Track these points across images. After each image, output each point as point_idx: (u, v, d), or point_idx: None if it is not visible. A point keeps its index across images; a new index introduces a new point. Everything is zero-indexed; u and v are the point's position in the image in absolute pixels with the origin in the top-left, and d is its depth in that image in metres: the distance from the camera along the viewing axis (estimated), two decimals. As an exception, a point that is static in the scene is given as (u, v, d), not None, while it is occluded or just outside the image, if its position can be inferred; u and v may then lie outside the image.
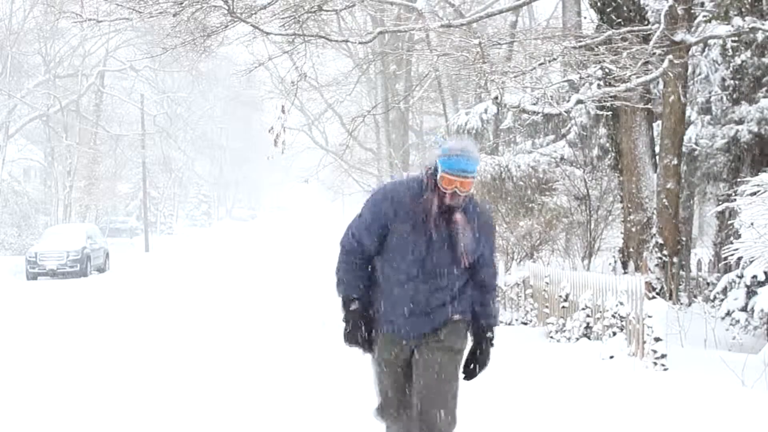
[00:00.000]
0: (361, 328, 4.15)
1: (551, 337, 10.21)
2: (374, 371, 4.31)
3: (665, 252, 11.39)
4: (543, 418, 6.12)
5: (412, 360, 4.17)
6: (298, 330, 11.53)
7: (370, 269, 4.19)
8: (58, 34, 36.83)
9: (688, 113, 12.78)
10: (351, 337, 4.17)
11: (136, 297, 17.91)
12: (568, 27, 14.96)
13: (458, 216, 4.04)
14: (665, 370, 7.63)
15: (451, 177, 3.96)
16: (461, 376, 4.21)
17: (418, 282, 4.05)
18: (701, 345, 9.03)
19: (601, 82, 12.18)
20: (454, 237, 4.03)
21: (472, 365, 4.22)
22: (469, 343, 4.26)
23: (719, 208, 11.95)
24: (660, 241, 11.42)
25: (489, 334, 4.23)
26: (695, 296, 12.59)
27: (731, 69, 13.26)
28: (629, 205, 12.49)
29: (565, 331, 9.92)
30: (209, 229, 65.03)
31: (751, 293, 9.24)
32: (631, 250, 12.36)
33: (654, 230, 11.67)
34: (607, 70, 11.20)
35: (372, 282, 4.19)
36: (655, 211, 11.85)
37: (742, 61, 12.92)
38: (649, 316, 7.87)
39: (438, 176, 3.99)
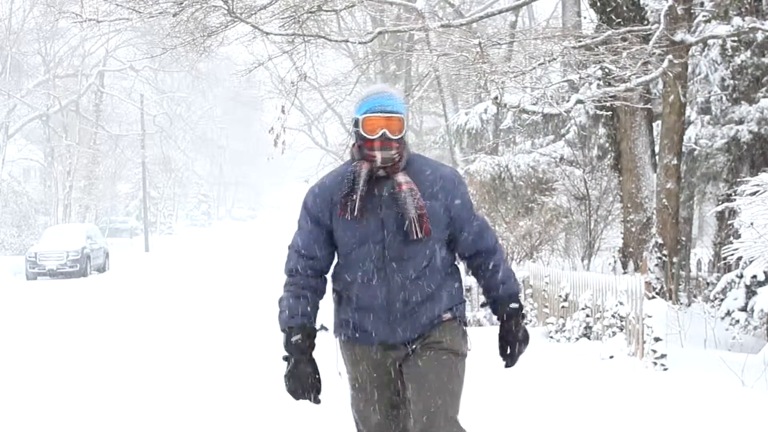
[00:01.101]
0: (306, 368, 3.27)
1: (551, 337, 10.21)
2: (351, 397, 3.48)
3: (665, 252, 11.39)
4: (543, 418, 6.12)
5: (403, 373, 3.36)
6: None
7: (322, 289, 3.40)
8: (57, 34, 36.86)
9: (687, 113, 12.78)
10: (293, 383, 3.28)
11: (136, 297, 17.91)
12: (568, 27, 14.97)
13: (401, 177, 3.24)
14: (665, 370, 7.64)
15: (372, 117, 3.22)
16: (465, 379, 3.41)
17: (382, 276, 3.26)
18: (701, 345, 9.04)
19: (601, 82, 12.19)
20: (402, 204, 3.21)
21: (508, 348, 3.40)
22: (489, 337, 3.48)
23: (719, 208, 11.96)
24: (660, 241, 11.43)
25: (512, 306, 3.39)
26: (695, 296, 12.61)
27: (731, 69, 13.27)
28: (629, 205, 12.50)
29: (564, 331, 9.92)
30: (209, 229, 65.06)
31: (750, 293, 9.25)
32: (631, 250, 12.36)
33: (654, 230, 11.68)
34: (606, 70, 11.21)
35: (334, 301, 3.45)
36: (654, 211, 11.86)
37: (742, 61, 12.93)
38: (649, 316, 7.87)
39: (360, 127, 3.25)
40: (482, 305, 3.52)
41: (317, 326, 3.34)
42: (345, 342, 3.43)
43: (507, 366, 3.45)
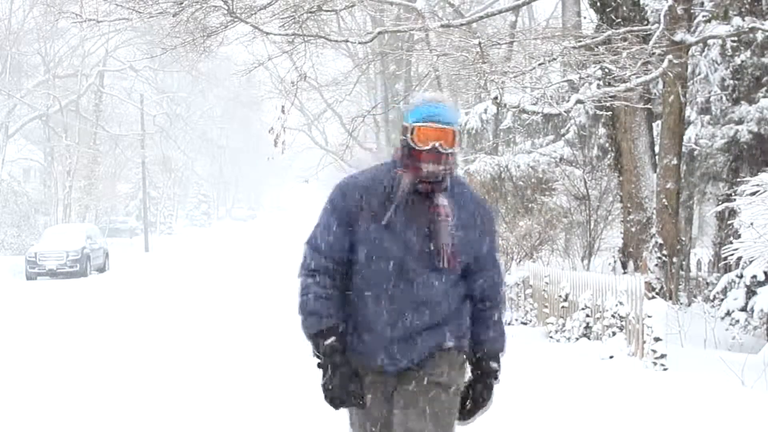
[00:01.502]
0: (347, 371, 3.03)
1: (551, 337, 10.21)
2: (349, 421, 3.26)
3: (665, 252, 11.40)
4: (543, 417, 6.12)
5: (394, 401, 3.14)
6: (296, 330, 11.52)
7: (343, 292, 3.13)
8: (57, 34, 36.85)
9: (687, 113, 12.79)
10: (337, 391, 3.03)
11: (136, 297, 17.91)
12: (568, 27, 14.97)
13: (441, 200, 3.03)
14: (665, 370, 7.64)
15: (427, 127, 2.98)
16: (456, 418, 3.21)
17: (394, 295, 3.03)
18: (701, 345, 9.04)
19: (601, 82, 12.19)
20: (436, 229, 3.02)
21: (468, 403, 3.19)
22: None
23: (719, 208, 11.97)
24: (660, 241, 11.43)
25: (492, 365, 3.19)
26: (695, 296, 12.61)
27: (731, 69, 13.27)
28: (629, 205, 12.50)
29: (564, 331, 9.92)
30: (209, 229, 65.06)
31: (750, 293, 9.25)
32: (631, 250, 12.37)
33: (654, 230, 11.68)
34: (606, 70, 11.22)
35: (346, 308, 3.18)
36: (654, 211, 11.86)
37: (742, 61, 12.93)
38: (649, 316, 7.88)
39: (410, 136, 3.01)
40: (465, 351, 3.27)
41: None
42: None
43: (460, 420, 3.18)
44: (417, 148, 2.99)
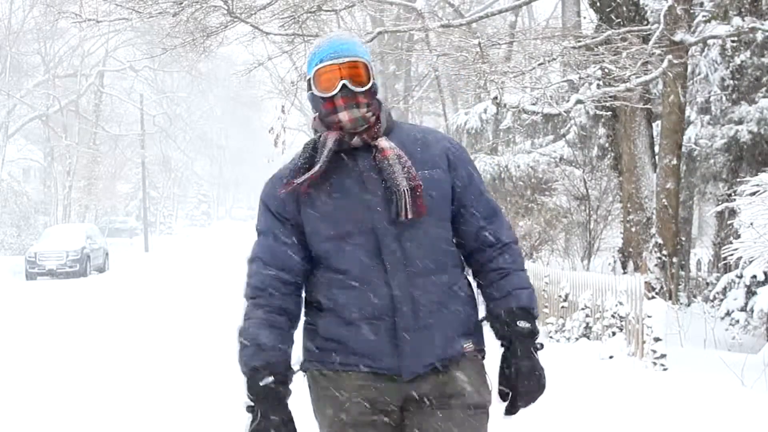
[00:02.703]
0: (277, 419, 2.34)
1: (551, 337, 10.21)
2: None
3: (665, 252, 11.39)
4: (542, 418, 6.12)
5: (409, 427, 2.44)
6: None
7: (297, 313, 2.50)
8: (57, 34, 36.88)
9: (687, 113, 12.78)
10: None
11: (136, 297, 17.91)
12: (568, 27, 14.97)
13: (384, 143, 2.43)
14: (665, 370, 7.64)
15: (326, 67, 2.41)
16: (500, 411, 2.54)
17: (379, 274, 2.38)
18: (701, 345, 9.04)
19: (601, 82, 12.19)
20: (390, 177, 2.38)
21: (509, 389, 2.48)
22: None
23: (719, 208, 11.96)
24: (659, 241, 11.43)
25: (520, 324, 2.43)
26: (695, 296, 12.61)
27: (730, 69, 13.27)
28: (629, 205, 12.50)
29: (564, 331, 9.93)
30: (209, 228, 65.10)
31: (750, 293, 9.26)
32: (631, 250, 12.36)
33: (653, 230, 11.68)
34: (606, 70, 11.21)
35: (306, 319, 2.54)
36: (654, 211, 11.86)
37: (742, 61, 12.93)
38: (649, 316, 7.88)
39: (314, 89, 2.45)
40: (481, 320, 2.55)
41: (294, 365, 2.45)
42: (322, 375, 2.46)
43: (507, 414, 2.53)
44: (325, 96, 2.42)
